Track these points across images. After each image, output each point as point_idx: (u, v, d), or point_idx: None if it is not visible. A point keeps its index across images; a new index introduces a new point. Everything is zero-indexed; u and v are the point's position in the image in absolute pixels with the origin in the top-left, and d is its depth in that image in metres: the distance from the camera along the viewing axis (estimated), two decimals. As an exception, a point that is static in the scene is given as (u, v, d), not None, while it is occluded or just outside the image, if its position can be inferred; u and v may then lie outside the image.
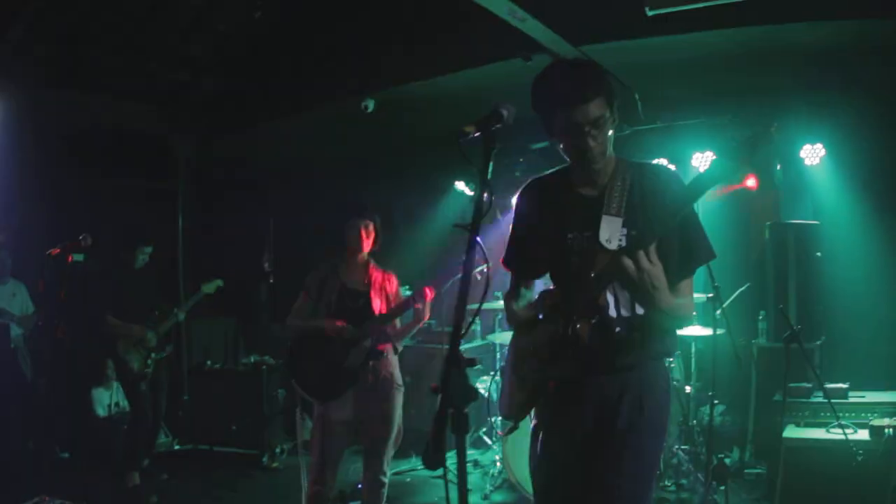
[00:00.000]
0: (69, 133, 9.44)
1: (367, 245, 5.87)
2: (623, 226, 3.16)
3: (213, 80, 9.30)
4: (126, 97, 9.39)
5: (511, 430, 3.64)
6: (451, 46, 7.51)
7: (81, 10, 7.64)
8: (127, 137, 10.02)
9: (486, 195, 2.63)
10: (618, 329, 3.17)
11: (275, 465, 8.37)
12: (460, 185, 10.21)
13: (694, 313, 3.56)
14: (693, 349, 7.55)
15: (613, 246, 3.11)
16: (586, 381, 3.27)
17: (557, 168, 3.47)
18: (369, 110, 8.37)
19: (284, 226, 10.39)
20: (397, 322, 5.95)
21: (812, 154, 7.95)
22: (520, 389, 3.41)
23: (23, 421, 8.17)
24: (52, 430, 8.30)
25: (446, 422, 2.24)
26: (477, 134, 2.73)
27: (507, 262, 3.62)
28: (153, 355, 7.71)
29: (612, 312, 3.18)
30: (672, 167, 8.89)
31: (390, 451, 5.79)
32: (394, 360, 5.88)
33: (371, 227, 5.87)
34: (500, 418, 8.20)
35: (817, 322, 7.52)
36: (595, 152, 3.15)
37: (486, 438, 8.48)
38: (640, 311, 3.19)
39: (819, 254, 7.64)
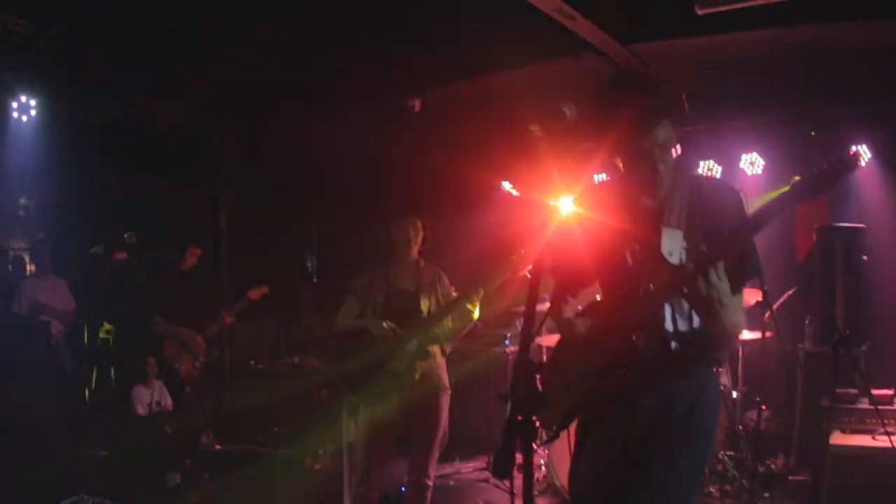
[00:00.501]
0: (108, 130, 9.47)
1: (416, 244, 5.85)
2: (684, 238, 3.06)
3: (256, 78, 9.28)
4: (167, 95, 9.41)
5: (552, 440, 3.55)
6: (500, 45, 7.46)
7: (121, 5, 7.64)
8: (168, 135, 10.05)
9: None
10: (674, 345, 3.11)
11: (317, 466, 8.35)
12: (505, 186, 10.12)
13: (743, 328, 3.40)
14: (740, 353, 7.45)
15: (675, 259, 3.01)
16: (639, 392, 3.18)
17: (617, 177, 3.34)
18: (416, 110, 8.37)
19: (328, 226, 10.39)
20: (448, 322, 5.85)
21: (858, 156, 7.83)
22: (564, 399, 3.31)
23: (62, 418, 8.19)
24: (92, 427, 8.30)
25: (516, 430, 2.19)
26: (542, 132, 2.73)
27: (554, 270, 3.51)
28: (201, 358, 7.74)
29: (669, 325, 3.10)
30: (720, 171, 8.90)
31: (436, 454, 5.74)
32: (441, 362, 5.83)
33: (419, 226, 5.87)
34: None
35: (864, 327, 7.39)
36: (663, 174, 3.07)
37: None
38: (696, 324, 3.11)
39: (866, 257, 7.53)
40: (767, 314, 6.67)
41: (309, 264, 9.26)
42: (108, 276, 7.17)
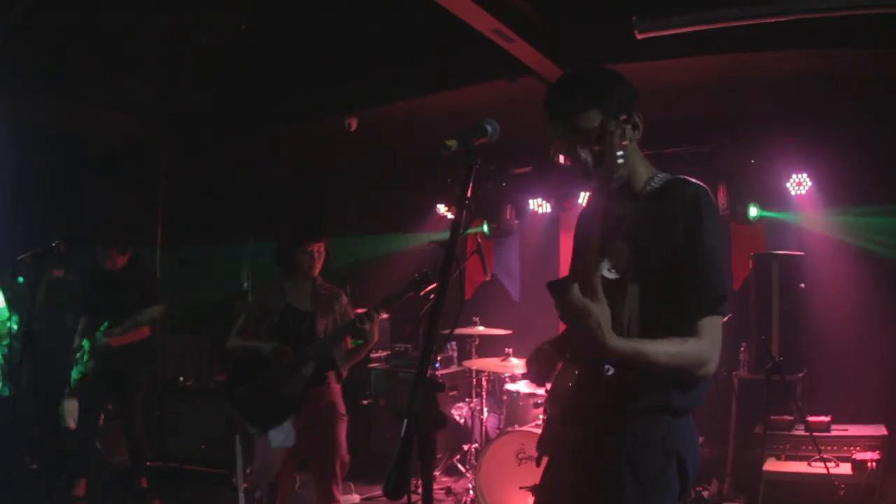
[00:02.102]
0: (51, 141, 9.34)
1: (318, 268, 5.64)
2: (631, 251, 2.79)
3: (195, 93, 9.20)
4: (109, 107, 9.29)
5: (538, 462, 3.34)
6: (437, 66, 7.45)
7: (67, 17, 7.54)
8: (109, 148, 9.93)
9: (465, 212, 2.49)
10: (609, 371, 2.80)
11: (245, 484, 8.21)
12: (441, 208, 10.10)
13: (710, 364, 2.75)
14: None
15: (613, 274, 2.78)
16: (576, 431, 2.95)
17: None
18: (352, 129, 8.32)
19: (264, 245, 10.27)
20: (347, 344, 5.71)
21: (798, 184, 7.90)
22: (542, 424, 3.21)
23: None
24: (22, 440, 8.14)
25: (410, 448, 2.10)
26: (459, 148, 2.59)
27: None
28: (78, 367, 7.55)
29: None
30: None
31: (339, 479, 5.51)
32: (336, 389, 5.63)
33: (323, 249, 5.63)
34: (474, 446, 8.11)
35: (800, 354, 7.39)
36: (587, 168, 2.82)
37: (459, 466, 8.33)
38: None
39: (803, 285, 7.55)
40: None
41: (245, 283, 9.09)
42: (44, 287, 7.09)
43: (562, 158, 2.93)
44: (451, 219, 9.62)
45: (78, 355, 7.54)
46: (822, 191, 7.86)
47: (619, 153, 2.74)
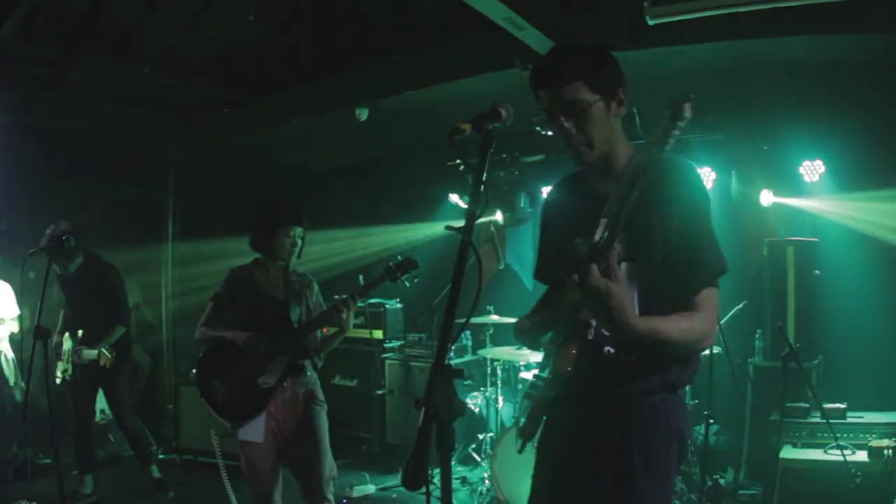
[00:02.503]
0: (59, 136, 9.35)
1: (295, 255, 5.44)
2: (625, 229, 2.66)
3: (204, 86, 9.20)
4: (116, 102, 9.30)
5: (520, 451, 3.33)
6: (448, 55, 7.42)
7: (73, 11, 7.54)
8: (117, 141, 9.93)
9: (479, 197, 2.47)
10: (608, 350, 2.82)
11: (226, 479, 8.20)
12: (454, 198, 10.07)
13: (711, 338, 2.85)
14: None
15: None
16: (575, 413, 2.96)
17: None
18: (362, 119, 8.29)
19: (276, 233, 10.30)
20: (317, 334, 5.48)
21: (811, 170, 7.86)
22: (528, 412, 3.10)
23: (2, 423, 8.05)
24: (33, 435, 8.15)
25: (429, 438, 2.07)
26: (473, 132, 2.57)
27: (535, 273, 3.34)
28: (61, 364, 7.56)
29: (605, 329, 2.77)
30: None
31: (324, 473, 5.26)
32: (313, 377, 5.43)
33: (301, 235, 5.43)
34: (489, 435, 8.11)
35: (815, 341, 7.38)
36: (576, 142, 2.87)
37: (475, 455, 8.33)
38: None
39: (818, 271, 7.51)
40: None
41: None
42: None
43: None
44: (464, 207, 9.63)
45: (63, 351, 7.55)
46: (836, 176, 7.81)
47: (602, 127, 2.85)
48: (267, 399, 5.14)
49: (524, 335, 3.23)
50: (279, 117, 9.25)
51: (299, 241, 5.40)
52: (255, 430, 5.15)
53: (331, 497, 5.30)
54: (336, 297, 5.39)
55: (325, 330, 5.49)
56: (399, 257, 5.38)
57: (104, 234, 9.12)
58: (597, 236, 2.66)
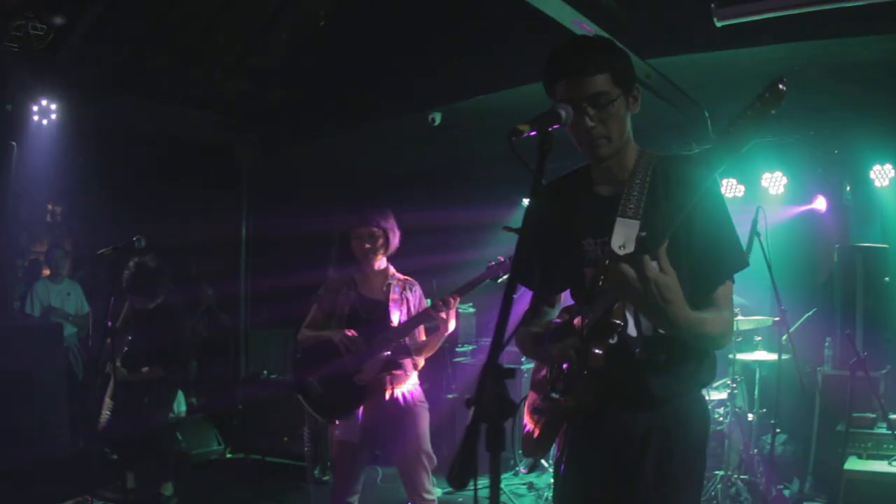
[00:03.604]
0: (132, 139, 9.51)
1: (376, 254, 5.43)
2: (641, 230, 2.65)
3: (277, 89, 9.29)
4: (190, 105, 9.43)
5: (532, 468, 3.27)
6: (518, 59, 7.40)
7: (146, 14, 7.67)
8: (191, 145, 10.08)
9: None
10: (637, 351, 2.74)
11: (325, 478, 8.25)
12: (527, 201, 10.01)
13: (731, 333, 2.91)
14: (757, 375, 7.30)
15: (622, 253, 2.65)
16: (606, 416, 2.89)
17: (578, 166, 3.10)
18: (436, 123, 8.31)
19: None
20: (420, 335, 5.53)
21: (881, 175, 7.73)
22: (537, 424, 3.04)
23: (72, 420, 8.18)
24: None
25: (477, 437, 2.05)
26: (532, 133, 2.50)
27: (522, 276, 3.05)
28: None
29: (632, 331, 2.73)
30: (743, 189, 8.78)
31: (422, 470, 5.31)
32: (414, 379, 5.47)
33: (378, 233, 5.41)
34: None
35: (884, 349, 7.20)
36: (596, 134, 2.79)
37: (542, 461, 8.27)
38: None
39: (888, 279, 7.36)
40: (785, 336, 6.56)
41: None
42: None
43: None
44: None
45: None
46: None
47: (621, 122, 2.83)
48: (363, 396, 5.24)
49: (528, 347, 3.12)
50: (352, 121, 9.29)
51: (369, 242, 5.40)
52: (350, 430, 5.26)
53: (433, 494, 5.38)
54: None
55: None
56: (500, 257, 5.33)
57: (178, 236, 9.26)
58: (617, 237, 2.69)
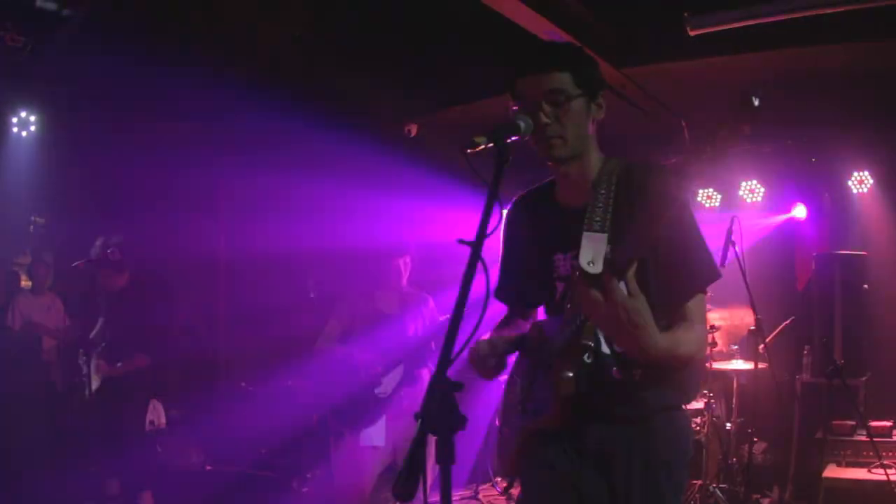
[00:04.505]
0: (112, 153, 9.48)
1: (405, 279, 5.80)
2: (609, 243, 2.61)
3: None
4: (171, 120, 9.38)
5: (508, 489, 3.24)
6: (490, 71, 7.40)
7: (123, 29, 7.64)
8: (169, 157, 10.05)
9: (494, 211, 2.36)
10: (613, 370, 2.58)
11: (304, 489, 8.24)
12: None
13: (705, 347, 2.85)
14: (735, 384, 7.31)
15: (598, 269, 2.48)
16: (581, 433, 2.76)
17: (547, 179, 3.03)
18: (412, 135, 8.34)
19: (326, 253, 10.32)
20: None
21: (860, 182, 7.75)
22: (509, 443, 2.96)
23: (51, 434, 8.15)
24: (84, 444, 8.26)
25: (422, 448, 2.04)
26: (489, 145, 2.46)
27: (497, 292, 3.11)
28: None
29: (606, 349, 2.57)
30: (720, 198, 8.79)
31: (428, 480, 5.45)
32: None
33: (408, 260, 5.81)
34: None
35: (863, 357, 7.19)
36: (550, 132, 2.71)
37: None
38: None
39: (866, 286, 7.37)
40: (762, 346, 6.56)
41: (311, 292, 9.18)
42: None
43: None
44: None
45: None
46: (885, 188, 7.68)
47: (579, 124, 2.76)
48: (383, 408, 5.45)
49: (479, 363, 2.90)
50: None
51: (404, 268, 5.78)
52: (377, 436, 5.47)
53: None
54: None
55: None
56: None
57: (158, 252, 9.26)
58: (585, 253, 2.60)
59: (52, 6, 6.92)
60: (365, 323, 5.64)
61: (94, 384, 7.06)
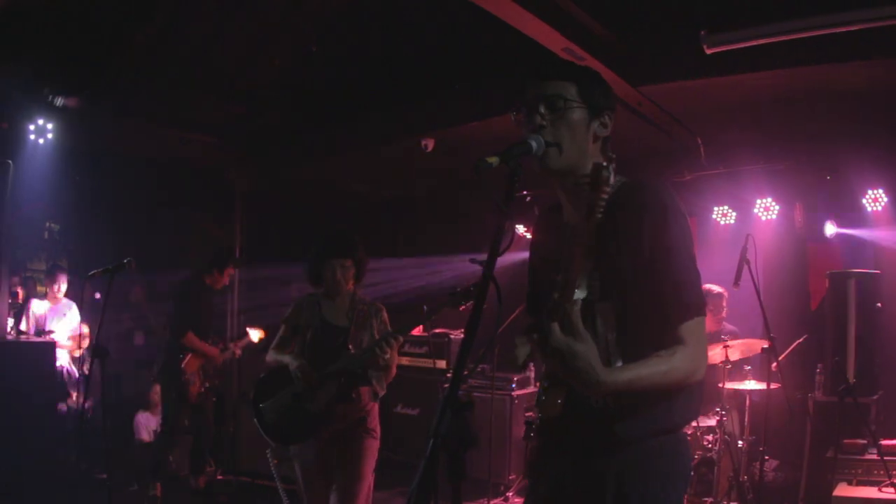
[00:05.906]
0: (127, 161, 9.54)
1: (345, 285, 5.45)
2: (596, 269, 2.57)
3: (270, 114, 9.31)
4: (184, 129, 9.43)
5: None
6: (508, 86, 7.41)
7: (139, 41, 7.70)
8: (184, 170, 10.11)
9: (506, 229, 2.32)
10: (595, 400, 2.59)
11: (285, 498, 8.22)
12: (520, 229, 9.99)
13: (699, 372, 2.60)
14: (747, 403, 7.28)
15: (582, 292, 2.53)
16: (568, 459, 2.74)
17: None
18: (428, 150, 8.37)
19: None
20: (383, 361, 5.20)
21: (874, 200, 7.73)
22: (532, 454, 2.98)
23: (63, 440, 8.19)
24: (94, 451, 8.29)
25: (434, 467, 2.05)
26: (500, 166, 2.44)
27: (526, 306, 3.07)
28: (210, 381, 7.79)
29: None
30: (735, 216, 8.78)
31: (360, 499, 5.22)
32: (369, 406, 5.38)
33: (349, 265, 5.44)
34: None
35: (876, 375, 7.16)
36: (544, 134, 2.66)
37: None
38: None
39: (880, 304, 7.34)
40: (774, 365, 6.54)
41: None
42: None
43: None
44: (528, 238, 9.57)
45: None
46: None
47: (577, 136, 2.71)
48: (316, 424, 5.19)
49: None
50: (346, 147, 9.36)
51: (340, 273, 5.41)
52: (307, 451, 5.26)
53: None
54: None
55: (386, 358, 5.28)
56: (468, 286, 5.14)
57: (171, 258, 9.34)
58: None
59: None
60: (309, 333, 5.43)
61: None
